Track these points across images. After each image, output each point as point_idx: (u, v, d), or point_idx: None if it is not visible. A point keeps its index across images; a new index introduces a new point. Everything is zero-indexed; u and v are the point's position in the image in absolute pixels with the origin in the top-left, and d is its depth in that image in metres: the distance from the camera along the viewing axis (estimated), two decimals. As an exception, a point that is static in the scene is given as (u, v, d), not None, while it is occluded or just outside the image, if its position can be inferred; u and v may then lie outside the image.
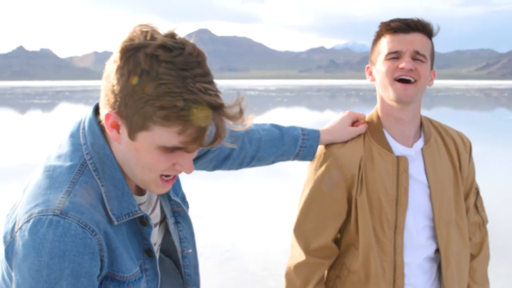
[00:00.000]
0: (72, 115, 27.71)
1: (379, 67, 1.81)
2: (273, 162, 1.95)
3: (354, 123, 1.94)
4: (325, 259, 1.92)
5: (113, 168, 1.24)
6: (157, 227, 1.45)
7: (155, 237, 1.44)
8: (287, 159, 1.94)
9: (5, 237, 1.22)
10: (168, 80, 1.10)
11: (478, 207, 2.03)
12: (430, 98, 50.14)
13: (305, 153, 1.91)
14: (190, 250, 1.55)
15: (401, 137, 1.87)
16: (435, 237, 1.88)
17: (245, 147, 1.85)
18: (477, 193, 2.04)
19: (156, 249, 1.46)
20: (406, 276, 1.87)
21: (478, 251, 2.02)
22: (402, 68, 1.74)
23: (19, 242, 1.16)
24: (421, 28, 1.78)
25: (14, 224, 1.20)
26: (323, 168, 1.88)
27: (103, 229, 1.20)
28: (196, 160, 1.77)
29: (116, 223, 1.23)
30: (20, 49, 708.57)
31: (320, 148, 1.92)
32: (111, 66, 1.16)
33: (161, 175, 1.24)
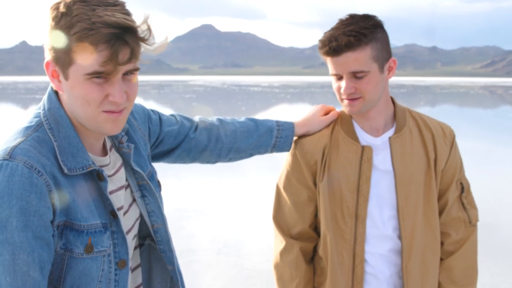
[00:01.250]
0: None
1: (332, 81, 1.86)
2: (251, 154, 2.01)
3: (326, 115, 2.01)
4: (307, 242, 1.97)
5: (67, 128, 1.37)
6: (123, 190, 1.52)
7: (122, 201, 1.51)
8: (266, 151, 2.01)
9: None
10: (79, 12, 1.25)
11: (464, 203, 1.96)
12: (433, 95, 49.96)
13: (282, 144, 2.00)
14: (161, 224, 1.61)
15: (369, 128, 1.90)
16: (399, 227, 1.87)
17: (220, 138, 1.93)
18: (463, 188, 1.97)
19: (129, 219, 1.53)
20: (368, 265, 1.88)
21: (458, 248, 1.95)
22: (342, 93, 1.81)
23: None
24: (348, 48, 1.73)
25: None
26: (291, 156, 1.97)
27: (51, 172, 1.29)
28: (172, 151, 1.88)
29: (68, 173, 1.33)
30: (23, 44, 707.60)
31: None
32: (47, 28, 1.32)
33: (103, 111, 1.33)
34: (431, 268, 1.92)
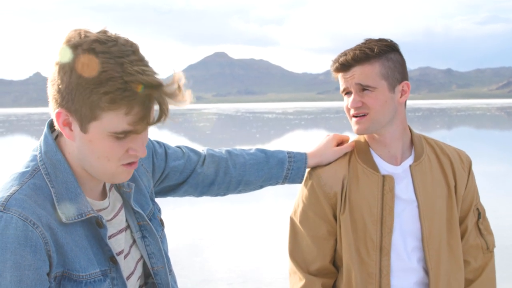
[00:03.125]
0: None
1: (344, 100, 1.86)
2: (261, 186, 1.96)
3: (339, 144, 1.96)
4: (327, 278, 1.90)
5: (65, 173, 1.32)
6: (123, 233, 1.48)
7: (122, 244, 1.46)
8: (276, 182, 1.96)
9: None
10: (107, 68, 1.20)
11: (481, 229, 1.94)
12: (449, 118, 49.68)
13: (293, 176, 1.94)
14: (161, 267, 1.55)
15: (388, 156, 1.86)
16: (424, 258, 1.83)
17: (229, 171, 1.87)
18: (480, 214, 1.95)
19: (131, 262, 1.49)
20: None
21: (477, 276, 1.92)
22: (349, 107, 1.79)
23: None
24: (355, 61, 1.75)
25: None
26: (307, 188, 1.90)
27: (47, 223, 1.25)
28: (179, 186, 1.82)
29: (66, 221, 1.29)
30: (37, 75, 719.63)
31: (308, 169, 1.94)
32: (54, 68, 1.26)
33: (122, 164, 1.31)
34: None
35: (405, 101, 1.86)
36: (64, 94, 1.25)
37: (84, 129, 1.26)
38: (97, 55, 1.21)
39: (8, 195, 1.25)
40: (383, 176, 1.82)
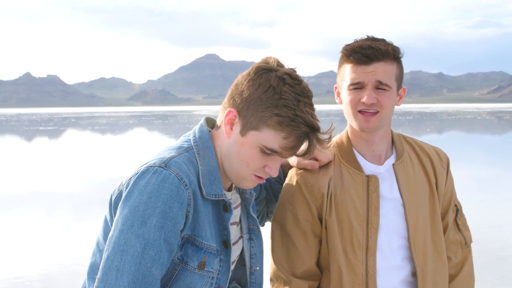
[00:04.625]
0: (78, 142, 27.92)
1: (344, 95, 1.80)
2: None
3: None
4: (313, 281, 1.87)
5: (211, 158, 1.56)
6: (235, 225, 1.69)
7: (233, 233, 1.68)
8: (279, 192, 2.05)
9: (111, 196, 1.53)
10: (287, 98, 1.46)
11: (459, 225, 1.97)
12: (440, 121, 49.95)
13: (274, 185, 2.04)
14: (258, 268, 1.76)
15: (371, 156, 1.86)
16: (411, 257, 1.83)
17: (266, 199, 2.04)
18: (457, 210, 1.98)
19: (234, 254, 1.67)
20: None
21: (458, 271, 1.95)
22: (364, 102, 1.74)
23: (128, 189, 1.45)
24: (383, 56, 1.73)
25: (120, 184, 1.51)
26: (293, 190, 1.87)
27: (193, 189, 1.48)
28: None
29: (204, 195, 1.52)
30: (27, 75, 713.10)
31: (292, 171, 1.91)
32: (244, 76, 1.53)
33: (254, 174, 1.54)
34: None
35: None
36: (243, 99, 1.50)
37: (243, 133, 1.50)
38: (284, 84, 1.47)
39: (168, 157, 1.48)
40: (368, 176, 1.82)
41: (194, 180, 1.49)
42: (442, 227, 1.92)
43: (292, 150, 1.49)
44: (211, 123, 1.70)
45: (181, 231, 1.46)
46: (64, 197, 11.14)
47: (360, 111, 1.76)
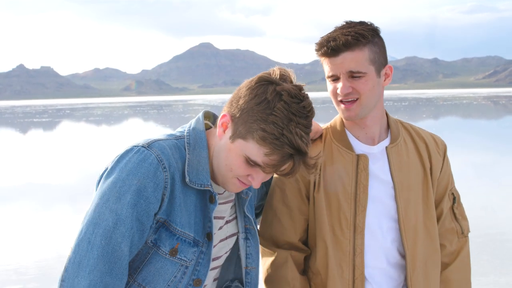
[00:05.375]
0: (73, 133, 27.84)
1: (327, 85, 1.83)
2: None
3: None
4: (298, 252, 1.88)
5: (202, 149, 1.57)
6: (229, 224, 1.71)
7: (226, 229, 1.69)
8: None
9: (100, 176, 1.52)
10: (279, 115, 1.42)
11: (456, 214, 1.96)
12: (436, 107, 50.02)
13: None
14: (254, 267, 1.76)
15: (364, 137, 1.87)
16: (400, 239, 1.83)
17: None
18: (455, 199, 1.97)
19: (221, 250, 1.68)
20: (367, 279, 1.83)
21: (453, 259, 1.94)
22: (339, 93, 1.77)
23: (111, 166, 1.48)
24: (346, 47, 1.72)
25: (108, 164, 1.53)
26: None
27: (173, 173, 1.49)
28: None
29: (188, 183, 1.52)
30: (21, 67, 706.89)
31: None
32: (247, 83, 1.51)
33: (238, 178, 1.54)
34: (433, 281, 1.88)
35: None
36: (238, 106, 1.49)
37: (232, 139, 1.50)
38: (280, 100, 1.43)
39: (154, 139, 1.51)
40: (358, 155, 1.83)
41: (175, 165, 1.50)
42: (437, 213, 1.92)
43: (274, 168, 1.47)
44: (213, 118, 1.72)
45: (156, 213, 1.47)
46: (60, 188, 11.12)
47: (341, 101, 1.79)
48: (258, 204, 1.97)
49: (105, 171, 1.50)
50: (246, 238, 1.74)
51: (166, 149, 1.50)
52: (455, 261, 1.94)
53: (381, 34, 1.83)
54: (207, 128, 1.67)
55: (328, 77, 1.80)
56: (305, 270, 1.93)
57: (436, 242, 1.88)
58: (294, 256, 1.87)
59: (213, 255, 1.64)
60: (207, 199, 1.58)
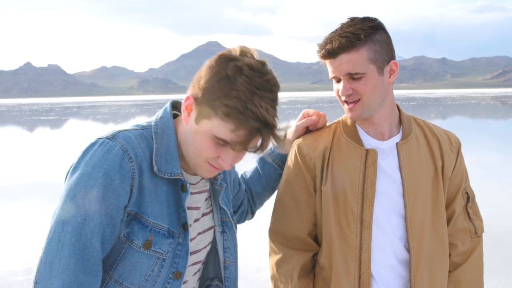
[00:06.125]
0: (80, 131, 27.92)
1: (333, 85, 1.83)
2: (273, 187, 2.06)
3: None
4: (303, 251, 1.89)
5: (170, 138, 1.53)
6: (206, 216, 1.68)
7: (204, 223, 1.66)
8: (278, 173, 2.04)
9: (67, 172, 1.48)
10: (241, 89, 1.38)
11: (470, 213, 1.93)
12: (444, 107, 49.78)
13: (282, 160, 2.02)
14: (232, 261, 1.72)
15: (374, 133, 1.86)
16: (407, 237, 1.81)
17: (245, 196, 2.02)
18: (469, 198, 1.93)
19: (199, 243, 1.65)
20: (374, 276, 1.81)
21: (465, 259, 1.92)
22: (340, 94, 1.77)
23: (77, 160, 1.44)
24: (342, 49, 1.71)
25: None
26: (291, 158, 1.92)
27: (140, 163, 1.45)
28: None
29: (156, 173, 1.48)
30: (28, 65, 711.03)
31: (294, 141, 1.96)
32: (207, 63, 1.47)
33: (208, 162, 1.49)
34: (439, 281, 1.85)
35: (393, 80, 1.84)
36: (200, 87, 1.45)
37: (197, 120, 1.46)
38: (241, 75, 1.39)
39: (119, 130, 1.48)
40: (367, 150, 1.81)
41: (142, 155, 1.46)
42: (448, 213, 1.89)
43: (242, 144, 1.43)
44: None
45: (126, 206, 1.44)
46: (68, 186, 11.11)
47: (345, 101, 1.78)
48: (236, 203, 1.96)
49: (71, 166, 1.45)
50: (223, 232, 1.70)
51: (131, 139, 1.46)
52: (467, 261, 1.91)
53: (389, 33, 1.79)
54: (176, 117, 1.63)
55: (331, 78, 1.79)
56: (314, 265, 1.92)
57: (444, 242, 1.86)
58: (299, 257, 1.87)
59: (191, 249, 1.60)
60: (179, 188, 1.53)
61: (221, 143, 1.44)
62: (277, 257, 1.90)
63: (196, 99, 1.46)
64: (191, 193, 1.60)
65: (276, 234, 1.92)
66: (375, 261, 1.80)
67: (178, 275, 1.53)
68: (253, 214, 2.09)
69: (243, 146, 1.43)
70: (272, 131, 1.42)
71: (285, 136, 1.48)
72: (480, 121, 31.20)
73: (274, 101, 1.43)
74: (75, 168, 1.42)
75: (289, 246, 1.89)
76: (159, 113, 1.59)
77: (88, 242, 1.37)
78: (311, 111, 2.01)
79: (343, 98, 1.78)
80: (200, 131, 1.45)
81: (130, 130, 1.50)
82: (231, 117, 1.38)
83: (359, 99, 1.75)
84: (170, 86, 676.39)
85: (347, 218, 1.80)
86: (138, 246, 1.45)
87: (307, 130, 1.99)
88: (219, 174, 1.69)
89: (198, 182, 1.64)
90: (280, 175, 2.02)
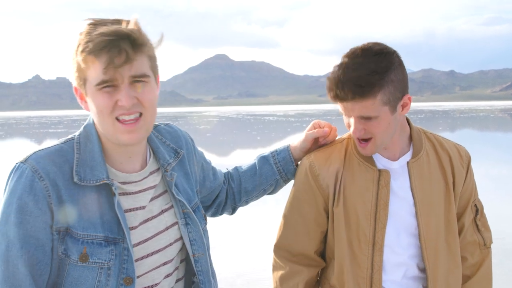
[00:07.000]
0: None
1: (343, 116, 1.80)
2: (264, 190, 2.03)
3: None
4: (308, 266, 1.87)
5: (94, 143, 1.53)
6: (166, 213, 1.63)
7: (165, 220, 1.61)
8: (276, 180, 2.01)
9: None
10: (84, 32, 1.43)
11: (478, 226, 1.92)
12: (453, 120, 49.59)
13: (285, 166, 1.99)
14: (202, 254, 1.67)
15: (385, 152, 1.82)
16: (421, 255, 1.79)
17: (230, 185, 2.01)
18: (477, 210, 1.92)
19: (162, 240, 1.60)
20: None
21: (475, 272, 1.91)
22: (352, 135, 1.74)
23: (4, 187, 1.47)
24: (352, 97, 1.64)
25: None
26: (302, 174, 1.89)
27: (53, 179, 1.44)
28: (209, 206, 1.99)
29: (79, 182, 1.46)
30: (37, 78, 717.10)
31: (304, 156, 1.94)
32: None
33: (117, 119, 1.46)
34: None
35: None
36: (72, 72, 1.48)
37: (86, 92, 1.47)
38: (82, 34, 1.44)
39: (34, 151, 1.48)
40: (379, 171, 1.79)
41: (55, 170, 1.45)
42: (458, 226, 1.87)
43: (111, 64, 1.40)
44: None
45: (52, 225, 1.43)
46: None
47: (357, 138, 1.75)
48: (211, 197, 1.95)
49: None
50: (186, 224, 1.66)
51: (42, 158, 1.46)
52: (477, 274, 1.90)
53: (397, 47, 1.71)
54: None
55: (341, 114, 1.76)
56: (321, 282, 1.91)
57: (457, 256, 1.84)
58: (305, 272, 1.86)
59: (149, 250, 1.57)
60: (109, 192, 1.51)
61: (106, 86, 1.43)
62: (281, 272, 1.88)
63: (77, 82, 1.48)
64: (133, 193, 1.56)
65: (282, 249, 1.90)
66: (386, 281, 1.79)
67: (129, 281, 1.49)
68: (234, 210, 2.04)
69: (111, 66, 1.40)
70: (125, 38, 1.40)
71: (138, 29, 1.45)
72: (489, 134, 31.03)
73: (118, 24, 1.44)
74: (3, 194, 1.45)
75: (294, 261, 1.88)
76: (85, 124, 1.59)
77: (15, 268, 1.39)
78: (322, 122, 1.99)
79: (353, 136, 1.76)
80: (91, 96, 1.45)
81: (46, 148, 1.50)
82: (84, 51, 1.40)
83: (371, 138, 1.73)
84: (178, 99, 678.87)
85: (359, 240, 1.78)
86: (75, 261, 1.45)
87: (315, 141, 1.98)
88: (168, 164, 1.66)
89: (144, 178, 1.60)
90: (277, 180, 2.00)
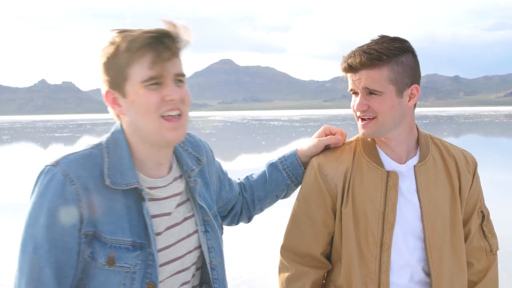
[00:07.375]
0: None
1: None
2: (277, 196, 2.06)
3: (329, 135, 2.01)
4: (315, 268, 1.88)
5: (123, 149, 1.54)
6: (188, 220, 1.65)
7: (187, 228, 1.64)
8: (287, 186, 2.03)
9: None
10: (122, 37, 1.47)
11: (485, 232, 1.93)
12: (457, 125, 49.46)
13: (294, 171, 2.01)
14: (219, 262, 1.69)
15: (392, 154, 1.85)
16: (426, 259, 1.81)
17: (243, 195, 2.04)
18: (484, 217, 1.93)
19: (183, 247, 1.61)
20: None
21: (481, 278, 1.92)
22: (355, 109, 1.78)
23: (32, 189, 1.49)
24: (362, 66, 1.72)
25: None
26: (311, 175, 1.91)
27: (84, 184, 1.46)
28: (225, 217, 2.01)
29: (110, 186, 1.48)
30: (42, 82, 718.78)
31: (313, 158, 1.95)
32: (99, 65, 1.52)
33: (162, 116, 1.49)
34: None
35: (414, 104, 1.84)
36: (102, 75, 1.51)
37: (123, 93, 1.49)
38: (116, 38, 1.49)
39: (64, 155, 1.51)
40: (388, 172, 1.81)
41: (86, 174, 1.47)
42: (464, 232, 1.89)
43: (159, 59, 1.45)
44: None
45: (80, 228, 1.45)
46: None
47: (359, 117, 1.79)
48: (226, 207, 1.97)
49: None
50: (206, 231, 1.68)
51: (73, 162, 1.48)
52: (483, 280, 1.91)
53: None
54: None
55: (350, 91, 1.80)
56: (326, 284, 1.93)
57: (463, 261, 1.86)
58: (311, 274, 1.87)
59: (170, 257, 1.59)
60: (139, 198, 1.53)
61: (152, 83, 1.47)
62: (288, 273, 1.90)
63: (108, 84, 1.51)
64: (160, 199, 1.59)
65: (289, 250, 1.92)
66: (393, 284, 1.80)
67: (152, 286, 1.51)
68: (250, 219, 2.08)
69: (159, 61, 1.45)
70: (168, 36, 1.47)
71: (174, 25, 1.51)
72: (493, 139, 30.93)
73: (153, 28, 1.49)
74: (30, 197, 1.47)
75: (301, 262, 1.89)
76: (112, 130, 1.61)
77: (41, 271, 1.40)
78: (334, 128, 2.01)
79: (358, 113, 1.79)
80: (133, 95, 1.48)
81: (76, 152, 1.52)
82: (130, 50, 1.44)
83: (375, 117, 1.76)
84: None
85: (368, 241, 1.80)
86: (102, 264, 1.46)
87: (325, 147, 1.99)
88: (191, 170, 1.68)
89: (169, 184, 1.62)
90: (288, 185, 2.02)
